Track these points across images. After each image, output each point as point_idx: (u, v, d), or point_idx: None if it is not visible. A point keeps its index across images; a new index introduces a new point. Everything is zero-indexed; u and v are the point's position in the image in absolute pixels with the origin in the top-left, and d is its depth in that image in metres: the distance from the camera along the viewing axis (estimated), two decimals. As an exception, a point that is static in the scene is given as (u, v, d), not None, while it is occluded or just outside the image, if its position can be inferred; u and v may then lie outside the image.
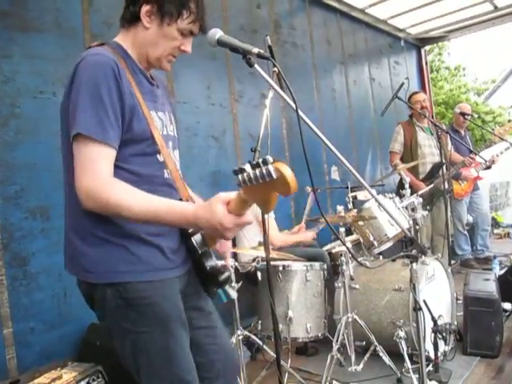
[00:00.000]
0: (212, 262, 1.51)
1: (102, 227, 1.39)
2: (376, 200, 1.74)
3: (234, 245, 3.79)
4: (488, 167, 4.96)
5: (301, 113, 1.50)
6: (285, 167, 1.11)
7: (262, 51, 1.50)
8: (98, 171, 1.31)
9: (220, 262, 1.55)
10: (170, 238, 1.49)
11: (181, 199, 1.51)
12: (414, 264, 1.91)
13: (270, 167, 1.07)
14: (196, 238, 1.49)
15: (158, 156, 1.47)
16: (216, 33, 1.52)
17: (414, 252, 1.92)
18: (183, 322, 1.48)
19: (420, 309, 1.92)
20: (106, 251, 1.40)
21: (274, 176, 1.08)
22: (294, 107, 1.47)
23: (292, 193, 1.12)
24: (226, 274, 1.53)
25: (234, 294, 1.67)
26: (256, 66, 1.52)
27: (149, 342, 1.42)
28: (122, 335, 1.44)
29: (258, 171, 1.09)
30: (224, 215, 1.25)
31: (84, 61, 1.38)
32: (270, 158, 1.07)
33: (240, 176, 1.12)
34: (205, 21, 1.52)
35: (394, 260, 1.89)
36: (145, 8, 1.46)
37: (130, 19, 1.50)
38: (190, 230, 1.49)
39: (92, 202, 1.30)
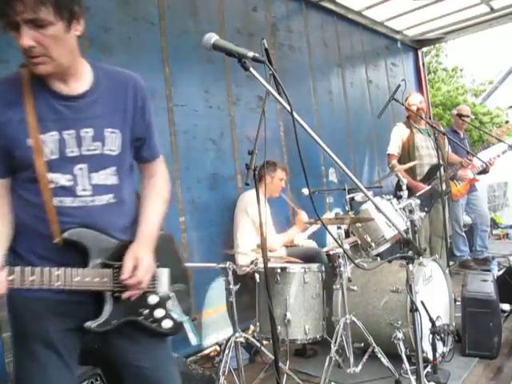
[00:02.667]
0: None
1: None
2: (371, 201, 1.75)
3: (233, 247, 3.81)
4: (485, 171, 4.98)
5: (296, 115, 1.51)
6: None
7: (257, 55, 1.51)
8: None
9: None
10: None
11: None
12: (411, 265, 1.92)
13: None
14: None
15: (36, 184, 1.43)
16: (211, 37, 1.53)
17: (410, 253, 1.92)
18: (47, 343, 1.47)
19: (416, 310, 1.93)
20: None
21: None
22: (289, 110, 1.47)
23: None
24: None
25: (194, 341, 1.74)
26: (251, 69, 1.53)
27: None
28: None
29: None
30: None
31: None
32: None
33: None
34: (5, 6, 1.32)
35: (390, 261, 1.90)
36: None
37: (67, 25, 1.39)
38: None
39: None
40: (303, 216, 3.79)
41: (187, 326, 1.68)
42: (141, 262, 1.49)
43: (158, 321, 1.59)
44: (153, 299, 1.58)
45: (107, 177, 1.52)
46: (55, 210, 1.43)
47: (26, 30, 1.33)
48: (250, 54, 1.50)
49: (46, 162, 1.42)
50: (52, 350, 1.46)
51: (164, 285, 1.63)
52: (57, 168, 1.43)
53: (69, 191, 1.45)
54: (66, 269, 1.40)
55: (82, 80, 1.49)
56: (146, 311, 1.57)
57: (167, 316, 1.61)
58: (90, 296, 1.49)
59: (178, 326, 1.64)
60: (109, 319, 1.48)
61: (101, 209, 1.49)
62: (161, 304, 1.60)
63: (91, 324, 1.46)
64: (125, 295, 1.49)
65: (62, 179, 1.44)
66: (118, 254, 1.51)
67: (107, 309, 1.48)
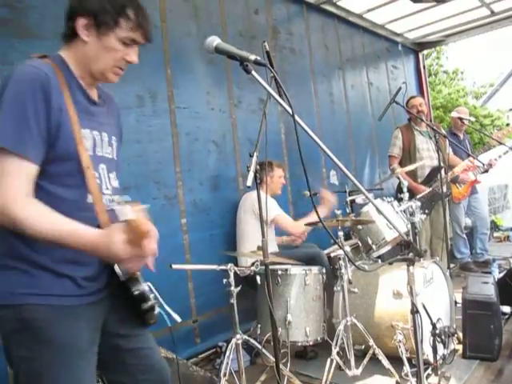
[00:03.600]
0: (139, 287, 1.48)
1: (5, 251, 1.37)
2: (372, 203, 1.75)
3: (235, 249, 3.82)
4: (486, 171, 4.98)
5: (297, 118, 1.51)
6: (137, 214, 1.25)
7: (258, 58, 1.52)
8: (11, 186, 1.26)
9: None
10: (87, 265, 1.44)
11: (98, 225, 1.41)
12: (411, 267, 1.92)
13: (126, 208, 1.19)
14: (119, 265, 1.43)
15: (81, 177, 1.41)
16: (214, 40, 1.54)
17: (410, 255, 1.93)
18: (81, 352, 1.40)
19: (417, 312, 1.93)
20: (5, 274, 1.36)
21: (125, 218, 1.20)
22: (291, 112, 1.48)
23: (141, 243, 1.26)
24: (149, 304, 1.51)
25: (178, 318, 1.72)
26: (253, 72, 1.54)
27: (41, 370, 1.35)
28: (16, 364, 1.37)
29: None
30: (120, 245, 1.28)
31: (15, 72, 1.33)
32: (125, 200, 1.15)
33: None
34: (147, 27, 1.48)
35: (390, 263, 1.90)
36: (80, 22, 1.42)
37: (70, 35, 1.46)
38: None
39: (0, 217, 1.26)
40: (329, 195, 3.69)
41: (166, 308, 1.67)
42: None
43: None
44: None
45: (115, 180, 1.59)
46: (105, 206, 1.46)
47: (136, 49, 1.52)
48: (252, 57, 1.51)
49: (90, 157, 1.44)
50: (83, 360, 1.42)
51: None
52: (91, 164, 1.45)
53: (100, 188, 1.49)
54: None
55: (95, 90, 1.58)
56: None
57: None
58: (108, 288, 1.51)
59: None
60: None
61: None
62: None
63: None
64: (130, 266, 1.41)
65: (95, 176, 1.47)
66: None
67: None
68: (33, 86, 1.31)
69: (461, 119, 4.94)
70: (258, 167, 2.42)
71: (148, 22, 1.48)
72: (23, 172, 1.29)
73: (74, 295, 1.40)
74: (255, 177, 2.43)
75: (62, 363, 1.36)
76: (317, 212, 1.68)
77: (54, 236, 1.28)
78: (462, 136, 5.38)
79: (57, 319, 1.36)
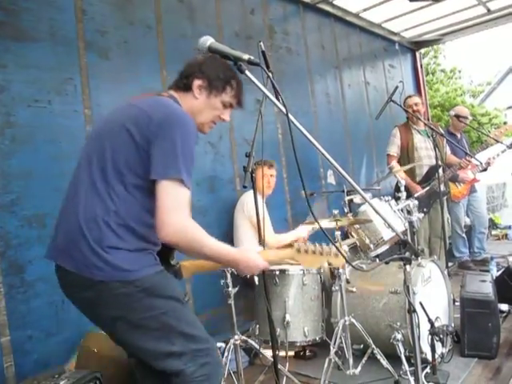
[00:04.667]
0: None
1: (134, 239, 1.62)
2: (368, 203, 1.75)
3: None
4: (484, 169, 4.98)
5: (292, 118, 1.51)
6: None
7: (252, 58, 1.52)
8: (186, 212, 1.58)
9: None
10: (158, 245, 1.74)
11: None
12: (408, 266, 1.92)
13: None
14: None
15: None
16: (207, 40, 1.54)
17: (407, 254, 1.93)
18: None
19: (414, 310, 1.93)
20: (129, 256, 1.60)
21: None
22: (285, 112, 1.48)
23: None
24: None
25: None
26: (247, 72, 1.54)
27: (174, 317, 1.65)
28: (144, 325, 1.62)
29: None
30: (262, 263, 1.78)
31: (178, 116, 1.62)
32: None
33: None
34: (242, 97, 1.86)
35: (387, 262, 1.90)
36: (196, 82, 1.77)
37: (183, 88, 1.80)
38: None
39: (178, 237, 1.55)
40: (303, 233, 3.70)
41: None
42: None
43: None
44: None
45: None
46: None
47: (230, 111, 1.89)
48: (246, 56, 1.51)
49: None
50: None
51: None
52: None
53: None
54: None
55: None
56: None
57: None
58: None
59: None
60: None
61: None
62: None
63: None
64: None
65: None
66: None
67: None
68: (194, 131, 1.65)
69: (458, 117, 4.94)
70: (254, 167, 2.42)
71: (243, 93, 1.85)
72: (188, 200, 1.62)
73: (158, 264, 1.70)
74: (251, 177, 2.43)
75: (182, 308, 1.70)
76: (313, 214, 1.67)
77: (216, 255, 1.69)
78: (459, 135, 5.38)
79: (164, 280, 1.69)
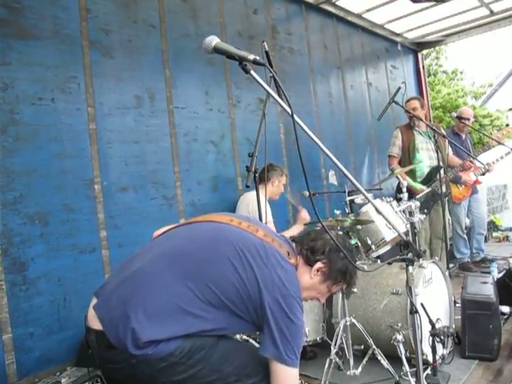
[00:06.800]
0: None
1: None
2: (371, 203, 1.75)
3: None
4: (483, 173, 4.98)
5: (297, 118, 1.51)
6: None
7: (257, 58, 1.51)
8: None
9: None
10: None
11: None
12: (410, 267, 1.92)
13: None
14: None
15: None
16: (212, 40, 1.54)
17: (409, 255, 1.93)
18: None
19: (416, 311, 1.93)
20: None
21: None
22: (290, 112, 1.48)
23: None
24: None
25: None
26: (252, 72, 1.53)
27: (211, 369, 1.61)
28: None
29: None
30: None
31: (298, 302, 1.62)
32: None
33: None
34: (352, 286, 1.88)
35: (390, 263, 1.91)
36: (319, 265, 1.75)
37: (305, 260, 1.77)
38: None
39: None
40: (305, 214, 3.82)
41: None
42: None
43: None
44: None
45: None
46: None
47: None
48: (251, 56, 1.51)
49: None
50: None
51: None
52: None
53: None
54: None
55: None
56: None
57: None
58: None
59: None
60: None
61: None
62: None
63: None
64: None
65: None
66: None
67: None
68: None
69: (460, 119, 4.94)
70: (257, 167, 2.42)
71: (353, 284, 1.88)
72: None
73: None
74: (254, 177, 2.43)
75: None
76: (316, 213, 1.67)
77: None
78: (464, 136, 5.37)
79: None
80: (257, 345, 2.92)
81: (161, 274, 1.59)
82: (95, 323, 1.57)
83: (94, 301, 1.64)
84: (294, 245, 1.82)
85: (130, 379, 1.61)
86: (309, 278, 1.76)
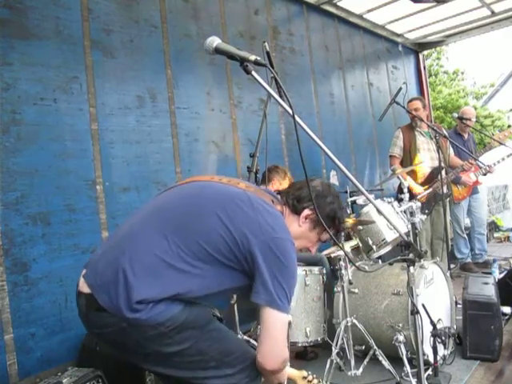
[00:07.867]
0: None
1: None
2: (372, 204, 1.75)
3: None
4: (485, 174, 4.98)
5: (298, 118, 1.51)
6: None
7: (259, 58, 1.51)
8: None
9: None
10: None
11: None
12: (412, 268, 1.93)
13: None
14: None
15: None
16: (214, 40, 1.54)
17: (411, 256, 1.93)
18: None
19: (417, 312, 1.93)
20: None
21: None
22: (291, 113, 1.48)
23: None
24: None
25: None
26: (253, 72, 1.54)
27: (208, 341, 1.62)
28: (182, 352, 1.58)
29: None
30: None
31: (289, 245, 1.59)
32: None
33: None
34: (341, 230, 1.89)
35: (391, 264, 1.91)
36: (306, 212, 1.75)
37: (292, 209, 1.77)
38: None
39: (276, 365, 1.62)
40: None
41: None
42: None
43: None
44: None
45: None
46: None
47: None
48: (252, 57, 1.51)
49: None
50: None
51: None
52: None
53: None
54: None
55: None
56: None
57: None
58: None
59: None
60: None
61: None
62: None
63: None
64: None
65: None
66: None
67: None
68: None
69: (461, 119, 4.94)
70: (259, 167, 2.42)
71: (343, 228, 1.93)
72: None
73: None
74: (255, 177, 2.43)
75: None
76: (317, 213, 1.67)
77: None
78: (466, 136, 5.37)
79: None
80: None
81: (145, 230, 1.60)
82: (85, 289, 1.58)
83: (84, 271, 1.65)
84: (278, 196, 1.82)
85: (115, 344, 1.61)
86: (297, 226, 1.77)
